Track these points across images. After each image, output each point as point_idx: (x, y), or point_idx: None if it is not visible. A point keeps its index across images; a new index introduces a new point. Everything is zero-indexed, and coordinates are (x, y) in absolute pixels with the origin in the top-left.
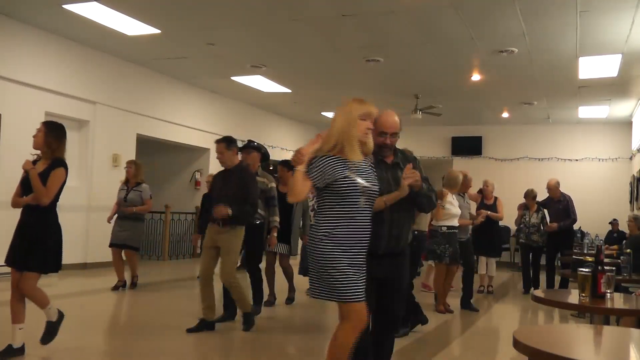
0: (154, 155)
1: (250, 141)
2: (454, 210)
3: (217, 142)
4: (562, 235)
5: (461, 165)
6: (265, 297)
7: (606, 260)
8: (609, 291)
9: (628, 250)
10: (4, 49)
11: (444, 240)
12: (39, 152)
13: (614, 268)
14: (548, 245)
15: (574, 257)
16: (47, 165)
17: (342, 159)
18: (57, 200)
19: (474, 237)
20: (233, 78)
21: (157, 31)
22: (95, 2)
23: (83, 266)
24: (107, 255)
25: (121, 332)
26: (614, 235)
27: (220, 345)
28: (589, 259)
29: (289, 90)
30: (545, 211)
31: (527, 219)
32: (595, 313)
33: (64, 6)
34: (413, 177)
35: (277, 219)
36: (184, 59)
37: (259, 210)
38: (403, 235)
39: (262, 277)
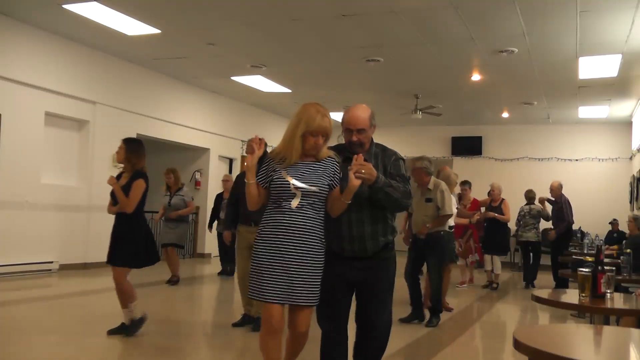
0: (154, 155)
1: None
2: (453, 210)
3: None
4: (560, 236)
5: (461, 165)
6: None
7: (606, 260)
8: (609, 291)
9: (628, 250)
10: (3, 49)
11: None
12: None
13: (614, 268)
14: (552, 246)
15: (573, 257)
16: (129, 178)
17: (283, 160)
18: (143, 205)
19: (484, 236)
20: (233, 78)
21: (157, 31)
22: (95, 2)
23: (83, 266)
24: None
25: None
26: (614, 235)
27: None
28: (589, 259)
29: (289, 90)
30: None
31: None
32: (595, 313)
33: (64, 6)
34: (359, 168)
35: None
36: (184, 59)
37: None
38: (366, 236)
39: None
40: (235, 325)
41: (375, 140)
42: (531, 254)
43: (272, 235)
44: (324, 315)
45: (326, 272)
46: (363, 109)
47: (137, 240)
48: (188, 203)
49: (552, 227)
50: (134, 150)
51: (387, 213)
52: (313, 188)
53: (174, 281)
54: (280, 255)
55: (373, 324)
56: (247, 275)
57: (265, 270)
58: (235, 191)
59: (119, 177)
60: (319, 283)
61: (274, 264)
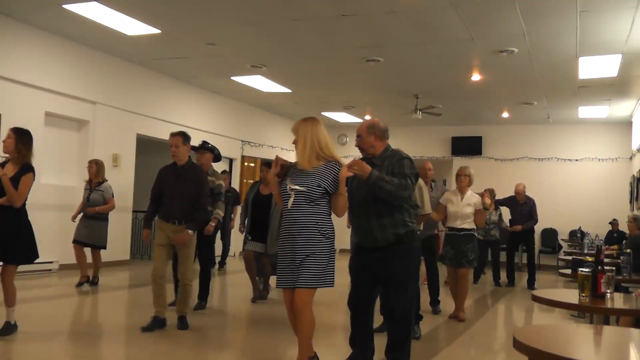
0: (154, 155)
1: (204, 142)
2: (451, 209)
3: (173, 135)
4: (523, 234)
5: (461, 165)
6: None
7: (606, 260)
8: (609, 291)
9: (628, 250)
10: (4, 49)
11: (445, 241)
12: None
13: (614, 268)
14: (509, 243)
15: (573, 257)
16: (18, 170)
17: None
18: (26, 200)
19: None
20: (233, 78)
21: (157, 31)
22: (95, 2)
23: (79, 266)
24: (104, 255)
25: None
26: (614, 235)
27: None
28: (589, 259)
29: (289, 90)
30: (503, 209)
31: (488, 217)
32: (595, 313)
33: (64, 6)
34: (352, 164)
35: (221, 212)
36: (184, 59)
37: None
38: (374, 228)
39: (210, 273)
40: (144, 329)
41: None
42: (492, 252)
43: (282, 231)
44: (349, 299)
45: (351, 264)
46: (367, 120)
47: (26, 235)
48: (108, 200)
49: (509, 224)
50: (25, 142)
51: (393, 208)
52: (302, 188)
53: (85, 282)
54: (286, 246)
55: (392, 307)
56: (164, 274)
57: (279, 259)
58: (158, 186)
59: (2, 166)
60: (322, 269)
61: (281, 252)
